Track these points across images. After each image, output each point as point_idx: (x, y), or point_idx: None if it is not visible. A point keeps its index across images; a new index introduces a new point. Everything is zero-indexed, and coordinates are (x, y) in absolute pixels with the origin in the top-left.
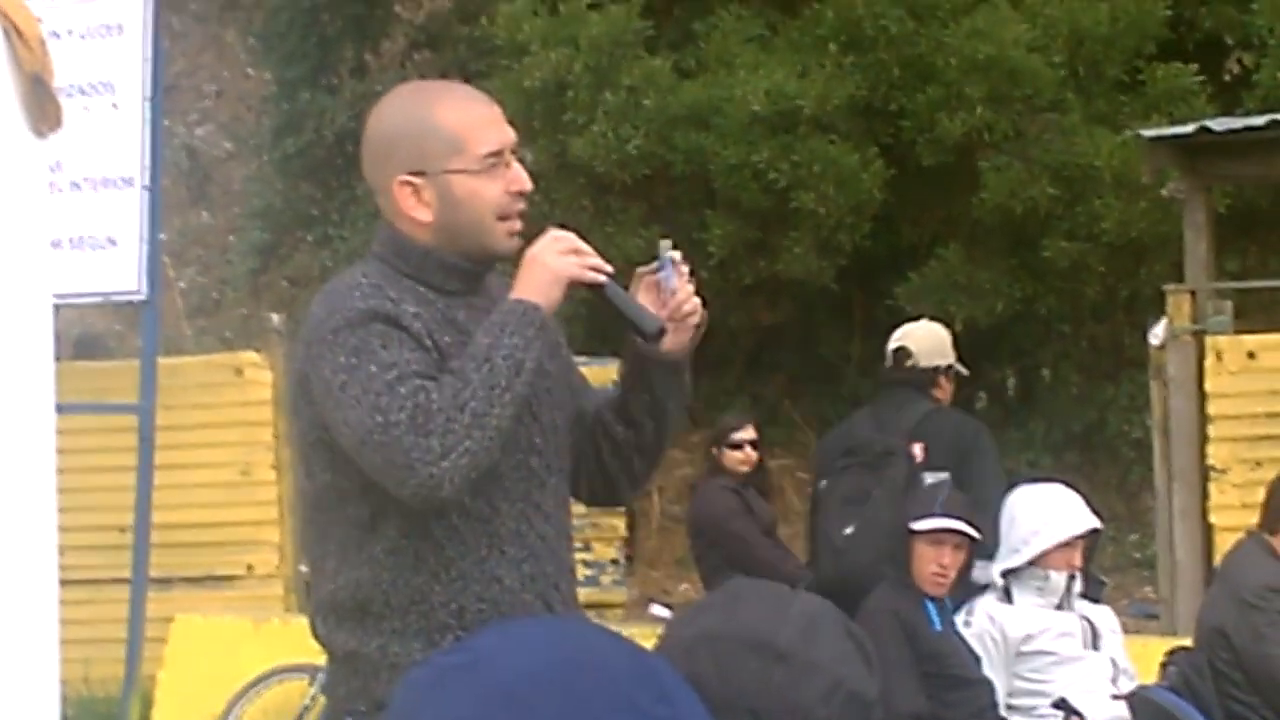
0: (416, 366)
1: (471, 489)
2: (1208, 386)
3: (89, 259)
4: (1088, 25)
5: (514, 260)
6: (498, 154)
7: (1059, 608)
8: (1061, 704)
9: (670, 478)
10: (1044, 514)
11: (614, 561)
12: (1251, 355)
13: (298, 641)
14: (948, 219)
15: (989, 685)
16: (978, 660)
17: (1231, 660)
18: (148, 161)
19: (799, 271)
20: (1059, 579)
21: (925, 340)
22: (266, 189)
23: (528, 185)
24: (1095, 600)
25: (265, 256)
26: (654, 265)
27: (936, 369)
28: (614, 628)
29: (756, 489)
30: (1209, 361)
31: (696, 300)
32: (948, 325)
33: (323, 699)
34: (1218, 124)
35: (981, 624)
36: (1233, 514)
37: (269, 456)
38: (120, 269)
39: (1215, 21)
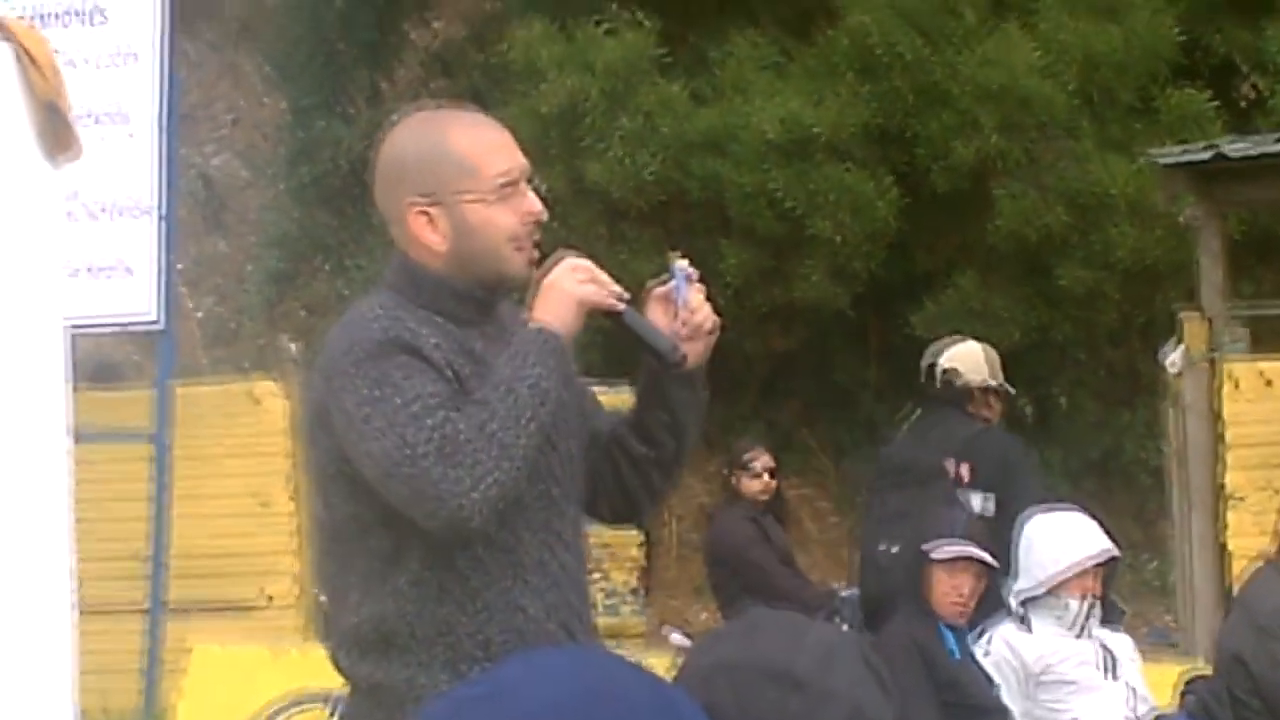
0: (440, 397)
1: (497, 519)
2: (1223, 412)
3: (105, 287)
4: (1100, 50)
5: (529, 287)
6: (511, 180)
7: (1077, 635)
8: None
9: (688, 505)
10: (1062, 541)
11: (632, 590)
12: (1267, 381)
13: (316, 670)
14: (962, 245)
15: (1007, 713)
16: (996, 688)
17: (1250, 687)
18: (163, 189)
19: (814, 298)
20: (1077, 606)
21: (968, 359)
22: (282, 217)
23: (541, 211)
24: (1114, 627)
25: (281, 284)
26: (665, 279)
27: (984, 389)
28: (632, 655)
29: (774, 516)
30: (1225, 387)
31: (712, 314)
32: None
33: None
34: (1232, 148)
35: (1000, 652)
36: (1249, 540)
37: (286, 485)
38: (136, 297)
39: (1228, 45)
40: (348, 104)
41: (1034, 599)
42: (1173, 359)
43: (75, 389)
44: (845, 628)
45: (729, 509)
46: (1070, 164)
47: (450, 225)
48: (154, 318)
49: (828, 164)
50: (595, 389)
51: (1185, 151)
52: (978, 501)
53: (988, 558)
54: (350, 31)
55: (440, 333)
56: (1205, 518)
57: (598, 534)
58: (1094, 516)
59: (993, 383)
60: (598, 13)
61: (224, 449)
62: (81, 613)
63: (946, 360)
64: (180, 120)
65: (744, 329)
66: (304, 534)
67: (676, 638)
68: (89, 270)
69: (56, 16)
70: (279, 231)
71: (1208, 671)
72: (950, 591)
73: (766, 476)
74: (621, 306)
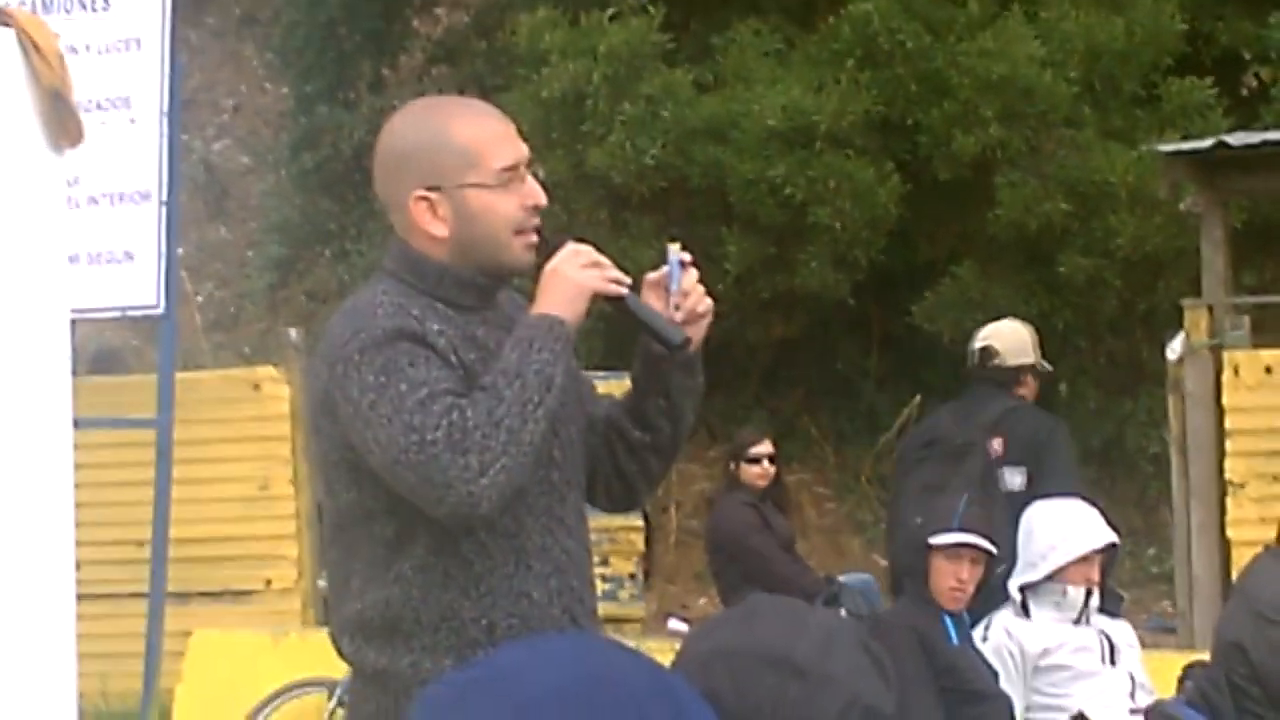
0: (446, 384)
1: (504, 505)
2: (1225, 401)
3: (106, 274)
4: (1103, 40)
5: (530, 275)
6: (513, 168)
7: (1076, 623)
8: (1079, 719)
9: (688, 492)
10: (1062, 529)
11: (631, 576)
12: (1269, 370)
13: (316, 656)
14: (964, 234)
15: (1006, 700)
16: (995, 675)
17: (1249, 675)
18: (165, 176)
19: (815, 286)
20: (1077, 594)
21: (1010, 339)
22: (284, 204)
23: (542, 199)
24: (1113, 615)
25: (283, 271)
26: (663, 269)
27: (1020, 367)
28: (632, 642)
29: (774, 504)
30: (1226, 376)
31: (707, 299)
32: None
33: (341, 713)
34: (1235, 139)
35: (999, 639)
36: (1250, 528)
37: (287, 471)
38: (138, 283)
39: (1232, 36)
40: (350, 91)
41: (1034, 586)
42: (1173, 346)
43: (76, 376)
44: (844, 614)
45: (729, 496)
46: (1071, 154)
47: (452, 213)
48: (156, 305)
49: (829, 152)
50: (596, 380)
51: (1188, 141)
52: (1010, 477)
53: (988, 545)
54: (353, 19)
55: (443, 320)
56: (1206, 506)
57: (599, 521)
58: (1094, 504)
59: (1029, 361)
60: None
61: (225, 435)
62: (82, 598)
63: (983, 338)
64: (182, 107)
65: (745, 317)
66: (305, 520)
67: (675, 624)
68: (90, 257)
69: (59, 3)
70: (280, 218)
71: (1207, 659)
72: (949, 578)
73: (767, 463)
74: (625, 293)
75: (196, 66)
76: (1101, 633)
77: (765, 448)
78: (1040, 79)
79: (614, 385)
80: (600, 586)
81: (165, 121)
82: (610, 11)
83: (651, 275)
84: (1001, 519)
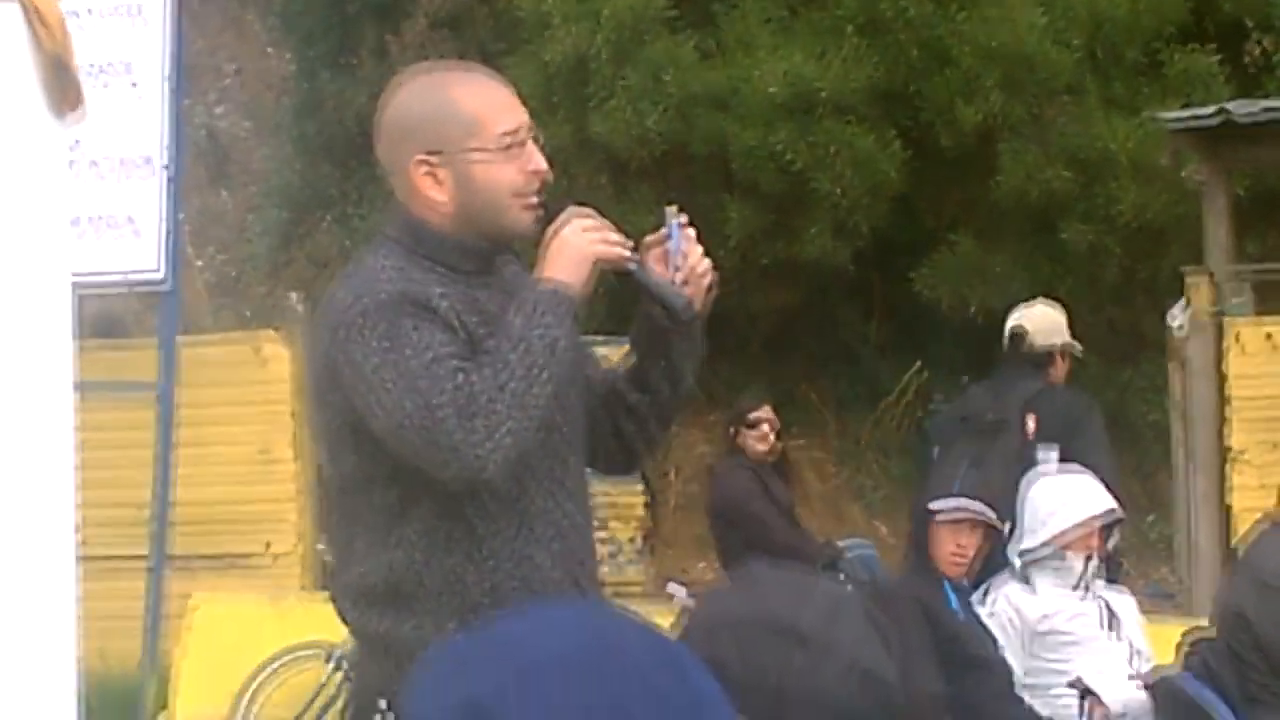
0: (450, 349)
1: (509, 471)
2: (1227, 370)
3: (109, 239)
4: (1106, 9)
5: (532, 241)
6: (515, 135)
7: (1076, 590)
8: (1077, 684)
9: (688, 458)
10: (1061, 497)
11: (632, 541)
12: (1270, 339)
13: (316, 621)
14: (966, 203)
15: (1007, 667)
16: (996, 643)
17: (1250, 643)
18: (167, 141)
19: (815, 254)
20: (1077, 561)
21: (1041, 321)
22: (286, 169)
23: (544, 166)
24: (1113, 583)
25: (285, 236)
26: (661, 233)
27: (1052, 348)
28: (632, 608)
29: (775, 470)
30: (1228, 345)
31: (707, 260)
32: (964, 310)
33: (338, 677)
34: (1238, 108)
35: (1000, 606)
36: (1251, 497)
37: (288, 436)
38: (140, 249)
39: (1236, 5)
40: (352, 57)
41: (1034, 554)
42: (1175, 315)
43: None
44: (844, 580)
45: (730, 462)
46: (1074, 122)
47: (454, 179)
48: (159, 273)
49: (831, 120)
50: (597, 345)
51: (1191, 112)
52: (1044, 454)
53: (990, 515)
54: None
55: (446, 285)
56: (1209, 476)
57: (599, 486)
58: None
59: (1060, 342)
60: None
61: (227, 402)
62: (83, 562)
63: (1015, 320)
64: (185, 72)
65: (747, 285)
66: (305, 485)
67: (675, 589)
68: (92, 222)
69: None
70: (283, 184)
71: (1210, 629)
72: (952, 548)
73: (768, 430)
74: (632, 263)
75: (199, 32)
76: (1104, 603)
77: (766, 414)
78: (1042, 48)
79: (615, 350)
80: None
81: (167, 87)
82: None
83: (651, 238)
84: None
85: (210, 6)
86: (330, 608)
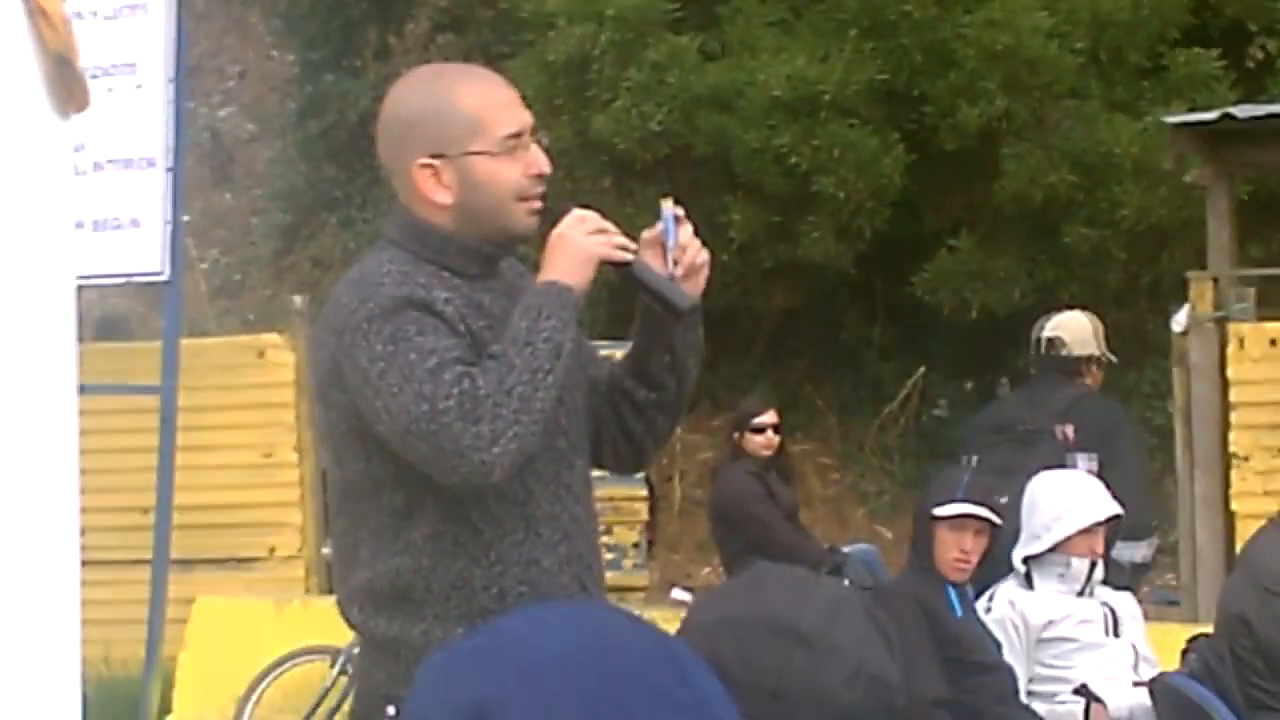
0: (456, 353)
1: (514, 474)
2: (1230, 373)
3: (111, 240)
4: (1109, 11)
5: (535, 243)
6: (517, 136)
7: (1080, 594)
8: (1082, 690)
9: (692, 461)
10: (1065, 501)
11: (635, 545)
12: (1274, 342)
13: (319, 623)
14: (969, 205)
15: (1010, 671)
16: (998, 646)
17: (1252, 647)
18: (171, 142)
19: (818, 256)
20: (1080, 565)
21: (1075, 330)
22: (289, 170)
23: (546, 167)
24: (1117, 587)
25: (288, 238)
26: (658, 226)
27: (1086, 357)
28: (635, 611)
29: (778, 473)
30: (1231, 348)
31: (704, 251)
32: (965, 313)
33: (343, 681)
34: (1241, 111)
35: (1002, 610)
36: (1254, 501)
37: (291, 438)
38: (143, 250)
39: (1239, 7)
40: (356, 59)
41: (1038, 558)
42: (1178, 318)
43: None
44: (848, 584)
45: (733, 465)
46: (1077, 124)
47: (456, 180)
48: (161, 272)
49: (834, 122)
50: (600, 348)
51: (1194, 113)
52: (1083, 463)
53: (991, 515)
54: None
55: (449, 288)
56: (1210, 478)
57: (602, 490)
58: (1098, 476)
59: (1093, 351)
60: None
61: (229, 402)
62: (86, 564)
63: (1050, 329)
64: (188, 73)
65: (750, 287)
66: (309, 488)
67: (678, 593)
68: (95, 223)
69: None
70: (286, 185)
71: (1211, 632)
72: (953, 549)
73: (771, 433)
74: (632, 259)
75: (202, 33)
76: (1105, 605)
77: (769, 417)
78: (1046, 50)
79: (619, 353)
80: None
81: (171, 88)
82: None
83: (647, 233)
84: None
85: (214, 8)
86: (334, 611)
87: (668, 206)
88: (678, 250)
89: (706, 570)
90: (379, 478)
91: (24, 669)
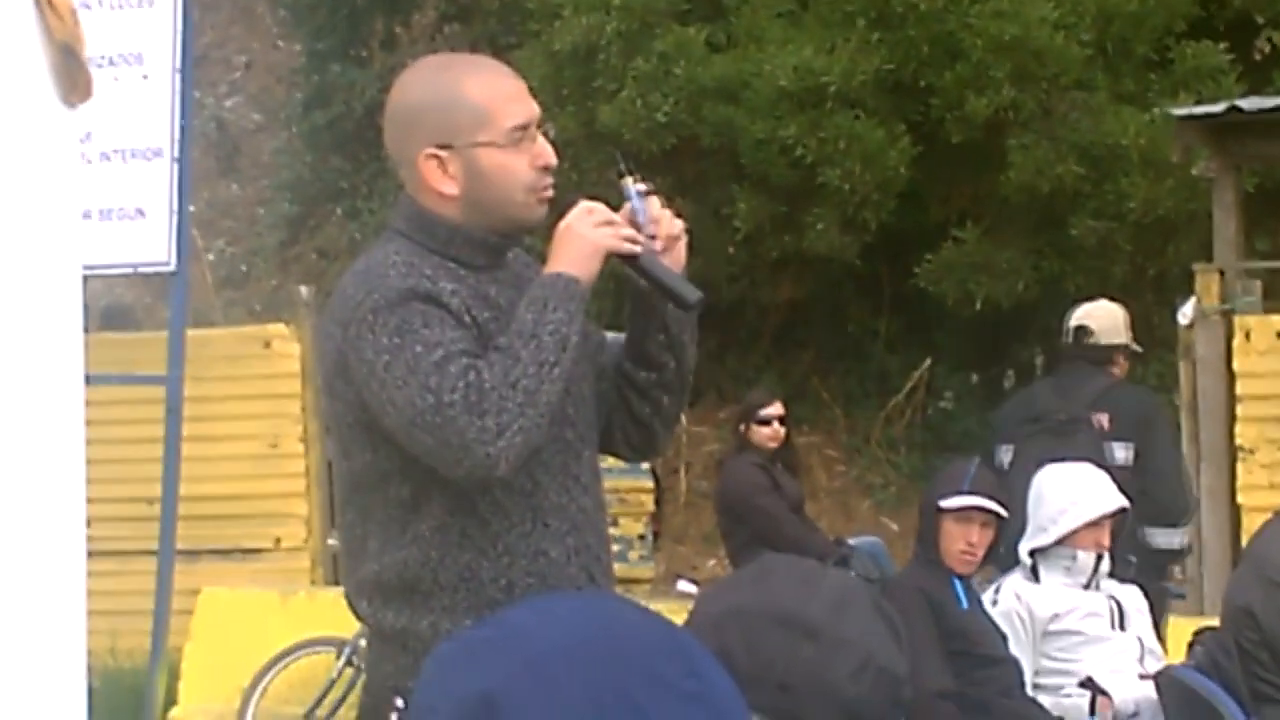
0: (461, 345)
1: (520, 466)
2: (1236, 366)
3: (118, 230)
4: (1116, 3)
5: (542, 233)
6: (524, 128)
7: (1086, 587)
8: (1088, 683)
9: (697, 453)
10: (1072, 493)
11: (641, 537)
12: None
13: (325, 614)
14: (975, 197)
15: (1016, 664)
16: (1005, 639)
17: (1258, 640)
18: (177, 133)
19: (823, 248)
20: (1086, 558)
21: (1105, 320)
22: (295, 161)
23: (553, 159)
24: (1123, 580)
25: (294, 228)
26: (626, 206)
27: (1114, 346)
28: (641, 603)
29: (784, 465)
30: (1237, 341)
31: (678, 221)
32: (969, 305)
33: (349, 672)
34: (1248, 103)
35: (1009, 603)
36: (1260, 494)
37: (297, 429)
38: (149, 240)
39: (1245, 0)
40: (362, 49)
41: (1044, 551)
42: (1184, 310)
43: (88, 332)
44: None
45: (739, 457)
46: (1083, 116)
47: (462, 171)
48: (168, 262)
49: (840, 113)
50: (608, 339)
51: (1201, 105)
52: (1119, 451)
53: (997, 508)
54: None
55: (456, 279)
56: (1216, 471)
57: (608, 481)
58: (1104, 469)
59: (1122, 341)
60: None
61: (235, 393)
62: (92, 555)
63: (1078, 318)
64: (194, 63)
65: (756, 278)
66: (314, 479)
67: (684, 585)
68: (101, 213)
69: None
70: (292, 175)
71: (1217, 625)
72: (959, 541)
73: (777, 425)
74: (639, 252)
75: (209, 23)
76: (1111, 598)
77: (775, 409)
78: (1053, 41)
79: None
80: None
81: (177, 78)
82: None
83: (618, 214)
84: None
85: None
86: (339, 602)
87: (629, 183)
88: (652, 224)
89: (712, 562)
90: (386, 470)
91: (30, 659)
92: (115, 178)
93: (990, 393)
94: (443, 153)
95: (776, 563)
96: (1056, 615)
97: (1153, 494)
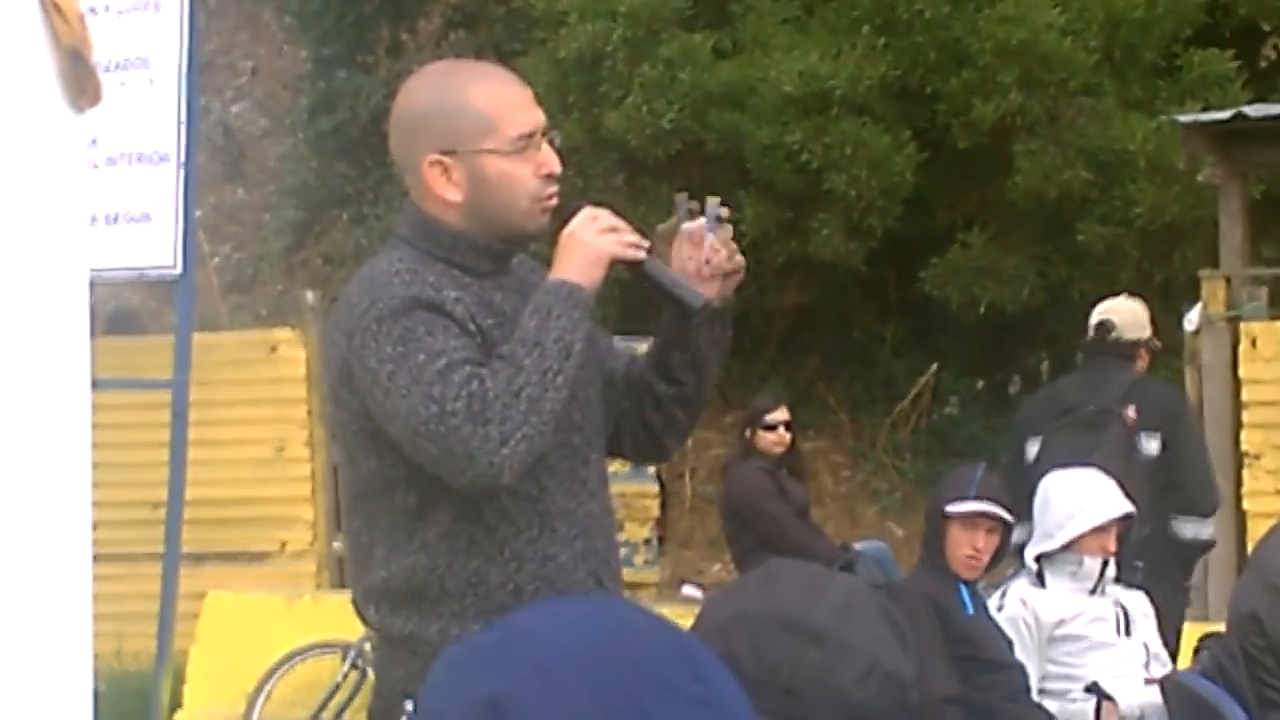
0: (465, 353)
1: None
2: (1242, 373)
3: (124, 235)
4: (1123, 9)
5: (547, 241)
6: (529, 136)
7: (1092, 593)
8: (1094, 689)
9: (703, 458)
10: (1078, 499)
11: (646, 542)
12: None
13: (330, 618)
14: (982, 202)
15: (1021, 669)
16: (1010, 644)
17: (1263, 645)
18: (183, 138)
19: (828, 254)
20: (1092, 564)
21: (1126, 315)
22: (301, 166)
23: (558, 168)
24: (1129, 585)
25: (300, 234)
26: (671, 221)
27: (1137, 341)
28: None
29: (789, 470)
30: (1243, 348)
31: (739, 257)
32: (974, 310)
33: (354, 676)
34: (1254, 110)
35: (1014, 608)
36: (1266, 500)
37: (303, 433)
38: (155, 245)
39: (1252, 7)
40: (368, 55)
41: (1050, 556)
42: (1190, 317)
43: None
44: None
45: (745, 462)
46: (1090, 122)
47: (466, 178)
48: (174, 266)
49: (846, 119)
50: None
51: (1208, 112)
52: (1147, 443)
53: (1003, 513)
54: None
55: (460, 286)
56: (1222, 478)
57: (613, 486)
58: (1111, 475)
59: (1144, 336)
60: None
61: (241, 397)
62: (97, 558)
63: (1100, 313)
64: (200, 69)
65: (763, 284)
66: (320, 483)
67: (689, 590)
68: (108, 218)
69: None
70: (298, 181)
71: (1223, 631)
72: (965, 546)
73: (783, 430)
74: (644, 258)
75: (215, 29)
76: (1117, 603)
77: (781, 415)
78: (1060, 46)
79: (641, 347)
80: None
81: (184, 83)
82: None
83: (662, 227)
84: (1141, 484)
85: (226, 4)
86: (345, 605)
87: (714, 205)
88: (710, 250)
89: (717, 567)
90: (391, 477)
91: (36, 663)
92: (121, 182)
93: (996, 399)
94: (447, 159)
95: (783, 567)
96: (1062, 620)
97: (1182, 485)
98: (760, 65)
